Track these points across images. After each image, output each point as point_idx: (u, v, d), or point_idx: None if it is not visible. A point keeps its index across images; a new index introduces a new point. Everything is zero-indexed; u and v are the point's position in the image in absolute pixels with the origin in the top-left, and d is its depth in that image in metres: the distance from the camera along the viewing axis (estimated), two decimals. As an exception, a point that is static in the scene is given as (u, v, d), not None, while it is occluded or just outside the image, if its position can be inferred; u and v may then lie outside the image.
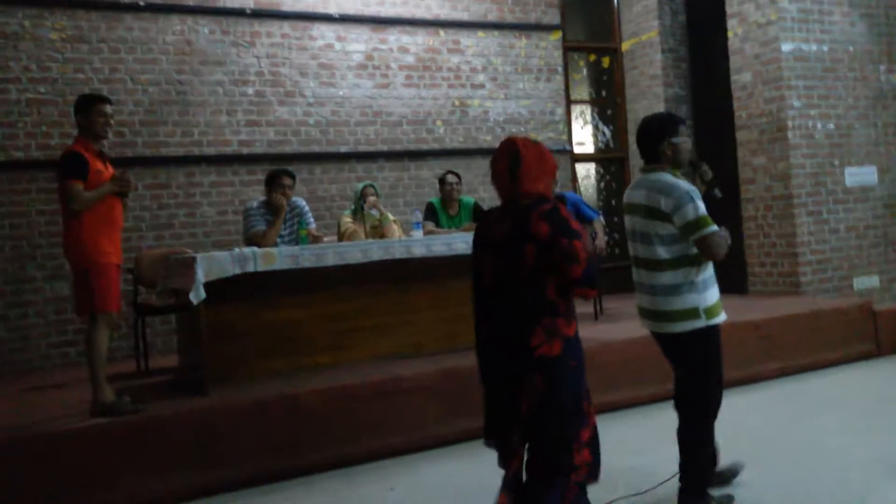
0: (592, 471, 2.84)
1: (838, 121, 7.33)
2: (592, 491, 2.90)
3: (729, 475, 3.65)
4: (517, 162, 2.77)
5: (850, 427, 4.47)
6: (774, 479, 3.68)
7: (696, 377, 3.34)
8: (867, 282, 7.39)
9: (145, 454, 4.04)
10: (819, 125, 7.24)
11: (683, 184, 3.29)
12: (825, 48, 7.29)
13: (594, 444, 2.85)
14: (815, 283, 7.15)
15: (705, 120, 8.62)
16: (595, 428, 2.87)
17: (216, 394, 4.46)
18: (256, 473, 4.21)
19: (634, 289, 3.45)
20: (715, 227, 3.20)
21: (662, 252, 3.26)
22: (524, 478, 2.77)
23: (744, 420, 4.68)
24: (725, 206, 8.15)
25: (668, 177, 3.32)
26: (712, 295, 3.30)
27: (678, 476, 3.34)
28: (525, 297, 2.71)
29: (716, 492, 3.45)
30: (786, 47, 7.09)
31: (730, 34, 7.60)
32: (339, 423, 4.47)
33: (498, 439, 2.82)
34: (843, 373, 4.65)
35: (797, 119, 7.14)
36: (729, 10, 7.61)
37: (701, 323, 3.25)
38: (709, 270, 3.33)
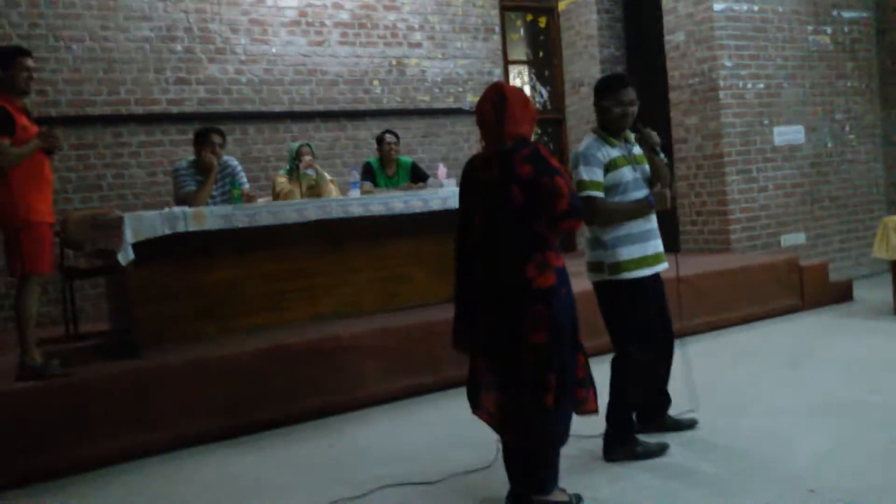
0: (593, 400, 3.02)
1: (768, 81, 7.48)
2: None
3: (676, 425, 3.77)
4: (503, 104, 2.89)
5: (775, 376, 4.63)
6: (704, 426, 3.80)
7: (608, 326, 3.56)
8: (794, 239, 7.62)
9: (76, 418, 3.95)
10: (749, 85, 7.38)
11: (583, 146, 3.45)
12: (755, 8, 7.41)
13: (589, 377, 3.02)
14: (744, 240, 7.35)
15: (640, 80, 8.67)
16: (587, 362, 3.02)
17: (149, 356, 4.38)
18: (194, 435, 4.17)
19: None
20: (591, 193, 3.34)
21: None
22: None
23: (675, 371, 4.80)
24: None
25: (586, 139, 3.50)
26: (624, 252, 3.43)
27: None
28: (517, 234, 2.84)
29: (653, 438, 3.59)
30: (718, 6, 7.18)
31: (664, -6, 7.66)
32: (276, 383, 4.44)
33: (497, 372, 2.91)
34: (771, 326, 4.83)
35: (728, 79, 7.27)
36: (663, -31, 7.66)
37: (604, 276, 3.46)
38: (623, 230, 3.45)
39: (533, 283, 2.81)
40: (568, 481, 3.06)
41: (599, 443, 3.51)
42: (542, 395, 2.81)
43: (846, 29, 8.03)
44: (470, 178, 3.02)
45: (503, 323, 2.87)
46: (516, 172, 2.81)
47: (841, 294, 6.89)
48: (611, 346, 3.58)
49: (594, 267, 3.51)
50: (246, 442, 4.20)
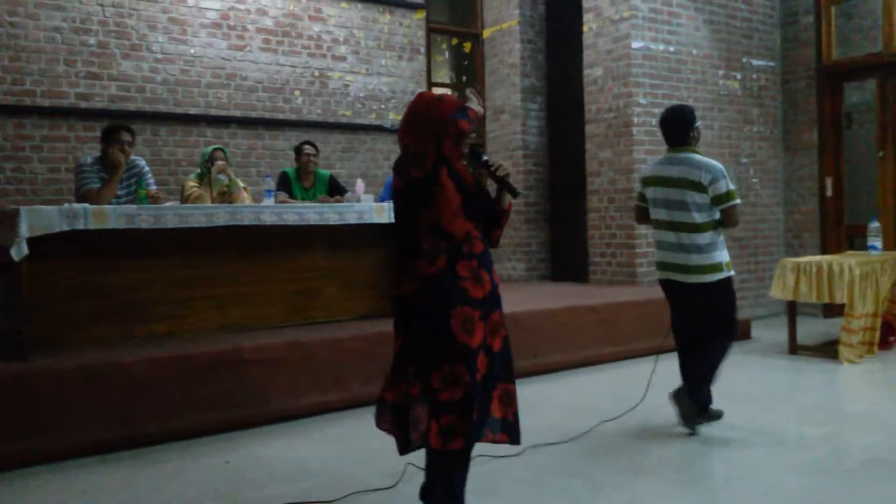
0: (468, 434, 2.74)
1: (680, 121, 7.73)
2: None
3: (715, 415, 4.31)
4: (408, 111, 2.95)
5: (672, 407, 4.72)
6: (604, 446, 3.84)
7: (728, 314, 4.20)
8: (696, 275, 7.87)
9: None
10: (662, 124, 7.61)
11: (716, 162, 4.11)
12: (672, 48, 7.68)
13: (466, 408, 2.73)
14: (651, 273, 7.53)
15: (558, 112, 8.88)
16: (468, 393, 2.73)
17: (38, 359, 4.12)
18: (84, 444, 3.94)
19: (660, 247, 4.25)
20: (738, 201, 4.12)
21: (690, 217, 4.07)
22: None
23: (580, 400, 4.87)
24: (572, 197, 8.48)
25: (698, 156, 4.13)
26: (727, 253, 4.20)
27: (689, 401, 4.13)
28: (400, 244, 2.92)
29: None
30: (636, 45, 7.41)
31: (585, 28, 7.85)
32: (175, 395, 4.25)
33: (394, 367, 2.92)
34: (671, 360, 4.96)
35: (642, 115, 7.49)
36: (585, 4, 7.85)
37: (725, 273, 4.13)
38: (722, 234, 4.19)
39: (399, 290, 2.89)
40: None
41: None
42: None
43: (754, 76, 8.41)
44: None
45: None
46: (399, 180, 2.90)
47: (739, 332, 7.11)
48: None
49: (714, 268, 4.10)
50: (139, 454, 3.99)
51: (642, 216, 4.43)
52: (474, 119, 2.87)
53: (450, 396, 2.71)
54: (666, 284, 4.32)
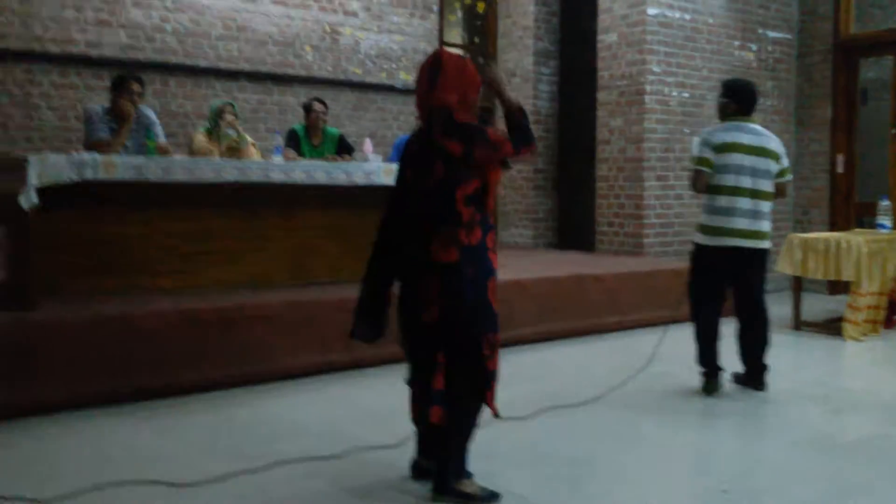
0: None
1: (692, 90, 7.66)
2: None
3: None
4: (437, 69, 2.85)
5: (680, 381, 4.74)
6: (608, 416, 3.87)
7: (761, 287, 4.44)
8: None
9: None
10: (675, 93, 7.54)
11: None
12: (688, 17, 7.56)
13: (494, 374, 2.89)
14: (657, 245, 7.52)
15: (571, 77, 8.78)
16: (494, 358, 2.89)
17: (42, 309, 4.13)
18: (87, 395, 3.96)
19: (729, 213, 4.27)
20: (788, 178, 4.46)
21: (769, 186, 4.33)
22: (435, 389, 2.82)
23: (582, 368, 4.89)
24: (582, 164, 8.42)
25: (763, 128, 4.42)
26: None
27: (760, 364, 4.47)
28: (430, 207, 2.81)
29: None
30: (652, 11, 7.30)
31: (602, -7, 7.73)
32: (177, 349, 4.26)
33: (406, 346, 2.95)
34: (676, 331, 4.97)
35: (655, 84, 7.40)
36: (604, -31, 7.72)
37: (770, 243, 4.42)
38: None
39: (432, 255, 2.78)
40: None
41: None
42: (432, 375, 2.79)
43: (770, 48, 8.29)
44: (407, 151, 2.98)
45: (407, 298, 2.89)
46: (439, 145, 2.79)
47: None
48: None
49: (769, 235, 4.37)
50: (141, 408, 4.02)
51: (704, 183, 4.33)
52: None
53: (493, 364, 2.84)
54: (720, 251, 4.30)
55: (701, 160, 4.32)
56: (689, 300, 4.53)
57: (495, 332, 2.86)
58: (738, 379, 4.60)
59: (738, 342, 4.54)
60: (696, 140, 4.42)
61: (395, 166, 5.38)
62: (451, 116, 2.82)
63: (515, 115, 2.95)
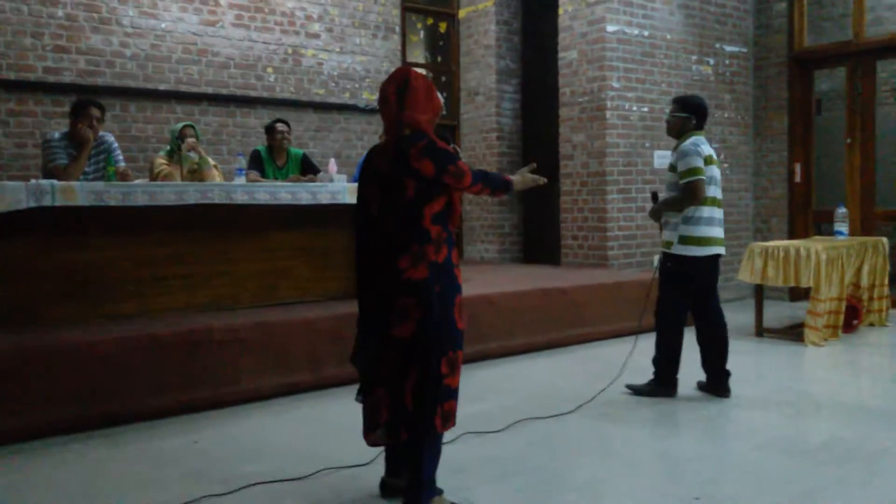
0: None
1: (652, 105, 7.79)
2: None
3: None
4: (405, 88, 2.88)
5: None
6: (575, 428, 3.89)
7: None
8: (667, 258, 7.94)
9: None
10: (635, 107, 7.65)
11: None
12: (646, 33, 7.70)
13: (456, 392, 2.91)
14: (621, 257, 7.60)
15: (533, 95, 8.88)
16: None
17: (3, 337, 4.06)
18: (50, 424, 3.90)
19: (712, 223, 4.44)
20: None
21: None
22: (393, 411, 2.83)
23: (550, 381, 4.91)
24: (546, 179, 8.48)
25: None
26: None
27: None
28: (398, 225, 2.83)
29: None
30: (611, 28, 7.42)
31: (560, 11, 7.84)
32: (142, 375, 4.21)
33: (365, 367, 2.92)
34: (640, 341, 5.03)
35: (615, 100, 7.51)
36: (562, -13, 7.83)
37: None
38: None
39: (403, 274, 2.79)
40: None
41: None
42: (403, 394, 2.80)
43: (727, 62, 8.46)
44: (369, 167, 2.97)
45: (374, 313, 2.88)
46: (413, 166, 2.79)
47: (707, 314, 7.21)
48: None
49: None
50: (105, 435, 3.96)
51: (703, 193, 4.39)
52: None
53: (451, 382, 2.84)
54: (707, 261, 4.46)
55: (700, 170, 4.35)
56: (668, 315, 4.56)
57: (458, 349, 2.86)
58: (703, 387, 4.66)
59: (701, 350, 4.60)
60: (687, 152, 4.38)
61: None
62: (432, 140, 2.85)
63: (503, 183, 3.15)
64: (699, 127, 4.55)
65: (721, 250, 4.50)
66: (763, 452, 3.58)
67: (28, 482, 3.32)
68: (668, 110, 7.84)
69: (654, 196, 4.74)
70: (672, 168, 4.50)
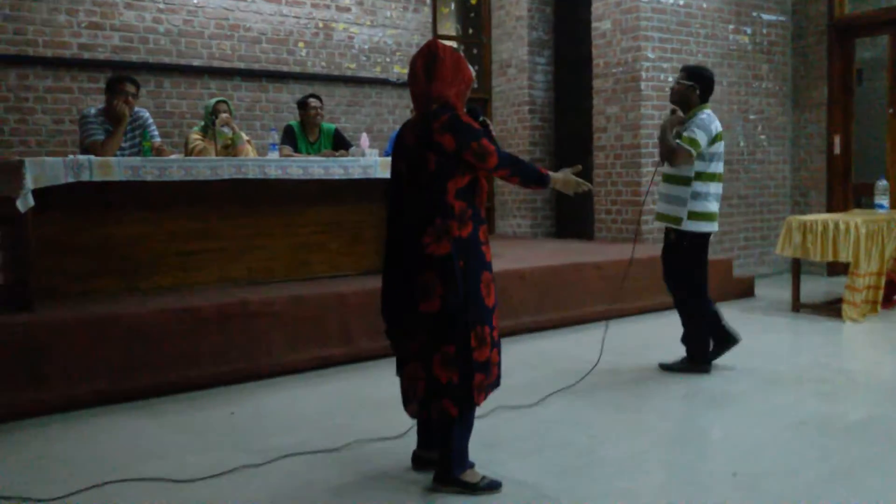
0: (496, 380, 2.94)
1: (688, 76, 7.63)
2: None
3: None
4: (433, 61, 2.85)
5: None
6: (619, 397, 3.88)
7: None
8: (701, 232, 7.83)
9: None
10: (670, 78, 7.52)
11: None
12: (681, 2, 7.55)
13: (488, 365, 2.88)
14: (655, 231, 7.50)
15: (566, 66, 8.77)
16: (497, 348, 2.92)
17: (44, 311, 4.15)
18: (88, 395, 3.99)
19: (718, 199, 4.45)
20: None
21: None
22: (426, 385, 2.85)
23: (577, 354, 4.90)
24: (578, 153, 8.41)
25: None
26: None
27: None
28: (422, 199, 2.82)
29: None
30: (646, -2, 7.28)
31: (595, -19, 7.71)
32: (180, 347, 4.29)
33: (396, 340, 2.96)
34: (676, 316, 4.98)
35: (650, 71, 7.39)
36: (596, -43, 7.70)
37: None
38: None
39: (426, 248, 2.78)
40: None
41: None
42: (432, 368, 2.80)
43: (765, 31, 8.28)
44: (400, 142, 2.96)
45: (400, 289, 2.89)
46: (435, 140, 2.78)
47: (743, 290, 7.15)
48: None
49: None
50: (144, 406, 4.04)
51: (683, 163, 4.40)
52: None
53: (480, 355, 2.82)
54: (710, 236, 4.50)
55: (698, 145, 4.31)
56: (694, 290, 4.52)
57: (486, 324, 2.84)
58: (673, 366, 4.65)
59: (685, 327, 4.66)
60: (700, 124, 4.33)
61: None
62: (456, 114, 2.82)
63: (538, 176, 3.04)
64: (704, 99, 4.47)
65: (717, 227, 4.53)
66: (798, 430, 3.55)
67: (69, 451, 3.40)
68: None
69: (674, 111, 4.56)
70: (679, 136, 4.40)
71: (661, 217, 4.54)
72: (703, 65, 4.81)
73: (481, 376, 2.83)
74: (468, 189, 2.84)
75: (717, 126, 4.39)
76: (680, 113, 4.48)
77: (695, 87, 4.44)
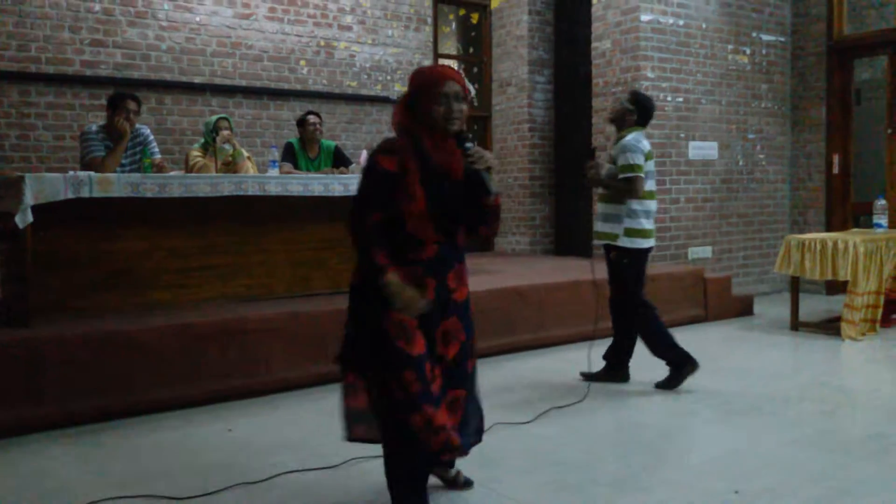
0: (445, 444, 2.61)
1: (686, 95, 7.69)
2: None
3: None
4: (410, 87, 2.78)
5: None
6: (611, 421, 3.86)
7: None
8: (700, 252, 7.86)
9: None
10: (669, 98, 7.56)
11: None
12: (681, 22, 7.60)
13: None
14: (654, 249, 7.50)
15: (566, 85, 8.81)
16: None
17: (42, 326, 4.15)
18: (86, 411, 3.98)
19: (651, 216, 4.55)
20: None
21: None
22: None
23: (576, 371, 4.88)
24: (579, 171, 8.44)
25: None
26: None
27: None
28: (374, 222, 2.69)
29: None
30: (645, 17, 7.33)
31: (594, 0, 7.76)
32: (177, 363, 4.28)
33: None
34: (674, 334, 4.97)
35: (650, 90, 7.41)
36: (595, -23, 7.76)
37: None
38: None
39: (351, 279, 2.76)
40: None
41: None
42: (343, 394, 2.77)
43: (764, 51, 8.32)
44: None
45: None
46: None
47: (742, 308, 7.15)
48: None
49: None
50: (143, 422, 4.03)
51: (642, 188, 4.54)
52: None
53: (378, 400, 2.68)
54: (647, 253, 4.61)
55: (640, 167, 4.47)
56: (631, 308, 4.62)
57: (388, 368, 2.61)
58: (594, 376, 4.75)
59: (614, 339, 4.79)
60: (629, 147, 4.47)
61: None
62: (372, 152, 2.71)
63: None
64: (640, 124, 4.62)
65: (653, 242, 4.65)
66: (799, 447, 3.54)
67: (67, 467, 3.39)
68: (704, 100, 7.82)
69: (593, 153, 4.79)
70: (612, 160, 4.60)
71: (598, 235, 4.67)
72: (641, 91, 4.96)
73: (415, 416, 2.57)
74: (394, 222, 2.63)
75: (645, 145, 4.53)
76: (597, 164, 4.66)
77: (634, 111, 4.60)
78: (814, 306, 7.31)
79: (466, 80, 2.69)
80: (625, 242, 4.50)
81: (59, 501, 2.96)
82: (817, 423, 3.92)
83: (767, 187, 8.42)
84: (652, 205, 4.58)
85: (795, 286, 6.40)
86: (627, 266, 4.56)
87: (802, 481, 3.12)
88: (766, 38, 8.34)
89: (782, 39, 8.49)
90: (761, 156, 8.34)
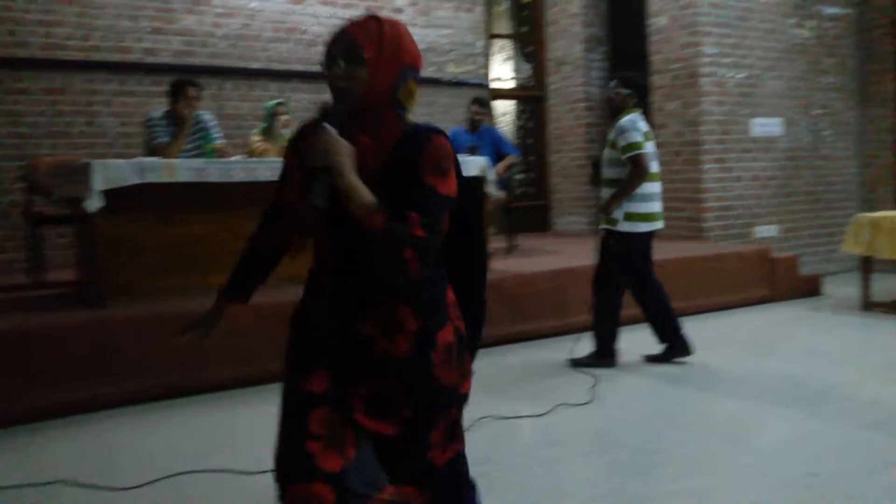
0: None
1: (748, 71, 7.49)
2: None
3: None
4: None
5: (744, 363, 4.66)
6: (677, 405, 3.81)
7: None
8: (766, 230, 7.68)
9: (38, 366, 3.85)
10: (730, 74, 7.38)
11: None
12: (741, -4, 7.41)
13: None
14: (717, 229, 7.38)
15: (622, 63, 8.66)
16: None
17: (116, 307, 4.27)
18: (160, 388, 4.10)
19: (654, 198, 4.48)
20: None
21: None
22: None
23: (637, 352, 4.83)
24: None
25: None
26: None
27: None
28: None
29: None
30: (704, -8, 7.16)
31: (651, -24, 7.62)
32: (247, 342, 4.34)
33: None
34: (740, 315, 4.87)
35: (710, 66, 7.26)
36: (652, -49, 7.60)
37: None
38: None
39: None
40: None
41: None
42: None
43: (827, 25, 8.06)
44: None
45: None
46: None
47: (809, 288, 6.96)
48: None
49: None
50: (214, 398, 4.12)
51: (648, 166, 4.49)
52: None
53: None
54: (651, 236, 4.54)
55: (641, 145, 4.41)
56: (611, 289, 4.61)
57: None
58: (658, 358, 4.69)
59: (652, 323, 4.70)
60: (627, 128, 4.43)
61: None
62: None
63: None
64: (638, 105, 4.59)
65: (661, 225, 4.58)
66: (874, 431, 3.44)
67: (140, 442, 3.48)
68: (765, 76, 7.61)
69: (596, 164, 4.73)
70: (611, 145, 4.51)
71: (600, 219, 4.61)
72: (627, 73, 4.87)
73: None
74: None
75: (642, 125, 4.47)
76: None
77: (632, 94, 4.58)
78: (886, 286, 7.08)
79: (377, 28, 1.69)
80: (625, 227, 4.46)
81: (133, 475, 3.04)
82: (888, 407, 3.80)
83: (834, 164, 8.18)
84: (655, 186, 4.51)
85: (867, 265, 6.20)
86: (623, 250, 4.50)
87: (875, 466, 3.03)
88: (829, 10, 8.07)
89: (847, 12, 8.20)
90: (827, 132, 8.09)
